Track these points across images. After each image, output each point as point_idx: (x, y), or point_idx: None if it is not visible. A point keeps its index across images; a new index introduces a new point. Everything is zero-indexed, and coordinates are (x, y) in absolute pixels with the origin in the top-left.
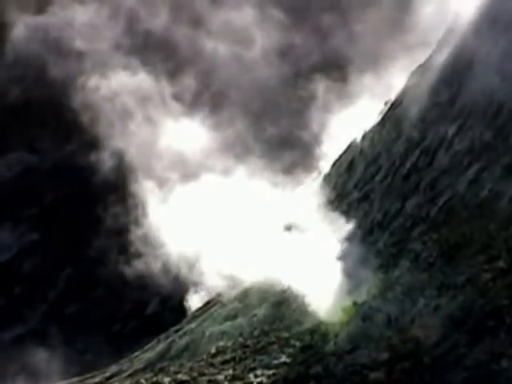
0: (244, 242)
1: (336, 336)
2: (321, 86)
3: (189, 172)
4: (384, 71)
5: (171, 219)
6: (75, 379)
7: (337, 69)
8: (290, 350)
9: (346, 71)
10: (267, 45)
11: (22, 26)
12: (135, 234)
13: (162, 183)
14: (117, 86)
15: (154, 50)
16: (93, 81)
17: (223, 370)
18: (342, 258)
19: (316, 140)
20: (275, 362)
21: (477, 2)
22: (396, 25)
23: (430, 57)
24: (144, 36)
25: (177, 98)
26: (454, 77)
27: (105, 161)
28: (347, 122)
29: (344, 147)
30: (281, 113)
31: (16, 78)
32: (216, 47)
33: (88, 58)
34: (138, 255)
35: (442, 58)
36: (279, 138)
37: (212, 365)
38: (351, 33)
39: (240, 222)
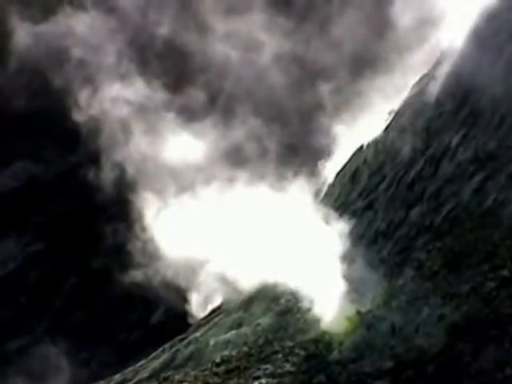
0: (247, 250)
1: (340, 345)
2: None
3: (193, 181)
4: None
5: (174, 229)
6: None
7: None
8: (295, 359)
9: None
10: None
11: (26, 36)
12: (139, 244)
13: (167, 193)
14: (119, 97)
15: (158, 60)
16: (96, 91)
17: (228, 379)
18: (346, 267)
19: (324, 146)
20: (279, 370)
21: (480, 11)
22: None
23: (434, 66)
24: (148, 46)
25: (182, 108)
26: (458, 86)
27: (107, 172)
28: (355, 129)
29: (349, 155)
30: (290, 119)
31: (20, 88)
32: (226, 54)
33: (92, 67)
34: (143, 265)
35: (445, 67)
36: (288, 144)
37: (216, 374)
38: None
39: (243, 229)
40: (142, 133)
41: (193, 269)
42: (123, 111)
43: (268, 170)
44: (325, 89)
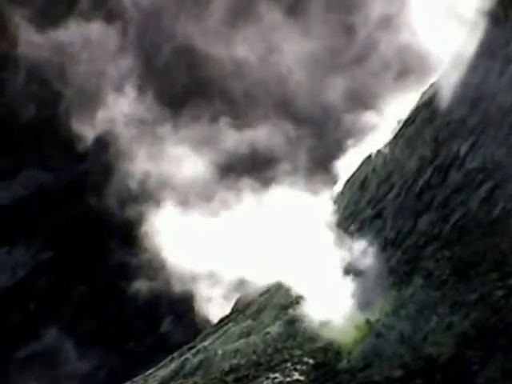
0: (256, 259)
1: (349, 353)
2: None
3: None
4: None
5: (182, 238)
6: None
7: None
8: (304, 368)
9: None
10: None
11: (35, 44)
12: (149, 252)
13: (174, 204)
14: (128, 108)
15: (167, 70)
16: (104, 102)
17: None
18: (355, 275)
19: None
20: (288, 379)
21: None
22: None
23: (443, 75)
24: (157, 55)
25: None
26: (467, 95)
27: (115, 181)
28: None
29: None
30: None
31: (30, 96)
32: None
33: (100, 77)
34: (152, 273)
35: (454, 76)
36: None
37: (225, 382)
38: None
39: (252, 238)
40: (149, 144)
41: (201, 278)
42: (131, 123)
43: (279, 174)
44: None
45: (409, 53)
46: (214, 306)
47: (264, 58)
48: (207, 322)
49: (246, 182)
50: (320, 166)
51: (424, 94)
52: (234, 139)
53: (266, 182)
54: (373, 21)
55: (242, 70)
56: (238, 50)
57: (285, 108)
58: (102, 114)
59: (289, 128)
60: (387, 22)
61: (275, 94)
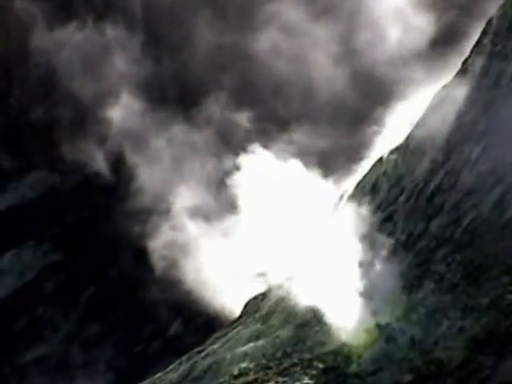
0: (265, 261)
1: (359, 358)
2: None
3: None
4: None
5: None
6: None
7: None
8: (313, 372)
9: None
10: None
11: (45, 45)
12: (157, 254)
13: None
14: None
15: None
16: (114, 102)
17: None
18: (366, 279)
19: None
20: (298, 383)
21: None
22: None
23: (455, 77)
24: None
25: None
26: (478, 97)
27: (124, 183)
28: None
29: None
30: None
31: (39, 97)
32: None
33: (109, 79)
34: (160, 276)
35: (466, 78)
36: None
37: None
38: None
39: (262, 239)
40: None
41: (210, 280)
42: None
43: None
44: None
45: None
46: (224, 308)
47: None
48: (216, 324)
49: None
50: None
51: (436, 96)
52: None
53: None
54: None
55: None
56: None
57: None
58: (114, 114)
59: None
60: None
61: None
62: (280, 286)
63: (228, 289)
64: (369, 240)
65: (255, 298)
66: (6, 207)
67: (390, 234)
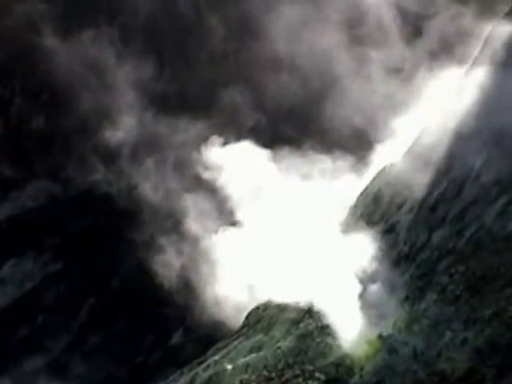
0: (269, 271)
1: (361, 369)
2: None
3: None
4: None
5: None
6: None
7: None
8: (315, 383)
9: None
10: None
11: (48, 54)
12: (158, 264)
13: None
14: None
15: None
16: (117, 114)
17: None
18: (368, 290)
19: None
20: None
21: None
22: None
23: (459, 88)
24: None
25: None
26: (482, 108)
27: (124, 192)
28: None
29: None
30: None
31: (40, 106)
32: None
33: (111, 92)
34: (161, 286)
35: (470, 89)
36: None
37: None
38: None
39: (265, 251)
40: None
41: (212, 290)
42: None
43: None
44: None
45: None
46: (225, 319)
47: None
48: (218, 335)
49: None
50: None
51: (439, 106)
52: None
53: None
54: None
55: None
56: None
57: None
58: (115, 124)
59: None
60: None
61: None
62: (281, 297)
63: (229, 299)
64: (371, 252)
65: (257, 308)
66: (7, 217)
67: (392, 245)
